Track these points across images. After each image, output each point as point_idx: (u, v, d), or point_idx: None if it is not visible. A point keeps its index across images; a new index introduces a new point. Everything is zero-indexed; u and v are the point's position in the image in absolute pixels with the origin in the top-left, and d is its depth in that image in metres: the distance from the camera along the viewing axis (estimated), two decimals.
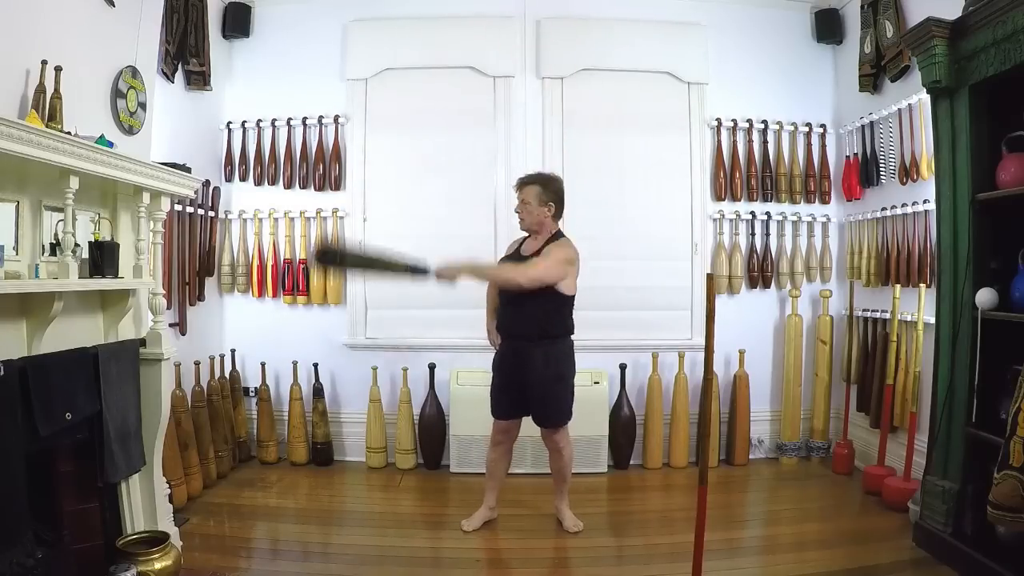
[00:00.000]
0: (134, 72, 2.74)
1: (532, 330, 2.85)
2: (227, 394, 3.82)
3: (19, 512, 1.89)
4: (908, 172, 3.40)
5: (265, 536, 3.02)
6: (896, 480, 3.22)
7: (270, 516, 3.20)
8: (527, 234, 3.00)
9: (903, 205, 3.42)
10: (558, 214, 2.95)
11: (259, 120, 4.05)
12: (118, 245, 2.47)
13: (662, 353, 3.94)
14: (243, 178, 4.07)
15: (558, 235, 2.94)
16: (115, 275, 2.39)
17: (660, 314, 4.01)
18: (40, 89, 2.13)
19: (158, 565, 2.25)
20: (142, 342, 2.55)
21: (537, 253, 2.86)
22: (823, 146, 4.10)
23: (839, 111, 4.10)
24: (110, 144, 2.26)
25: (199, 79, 3.70)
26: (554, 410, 2.91)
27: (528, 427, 3.02)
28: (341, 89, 4.04)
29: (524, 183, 2.93)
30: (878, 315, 3.64)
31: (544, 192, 2.90)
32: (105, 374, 2.30)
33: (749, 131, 4.04)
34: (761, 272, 4.05)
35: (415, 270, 2.68)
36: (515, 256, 2.98)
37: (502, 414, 2.97)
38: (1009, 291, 2.45)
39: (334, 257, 3.03)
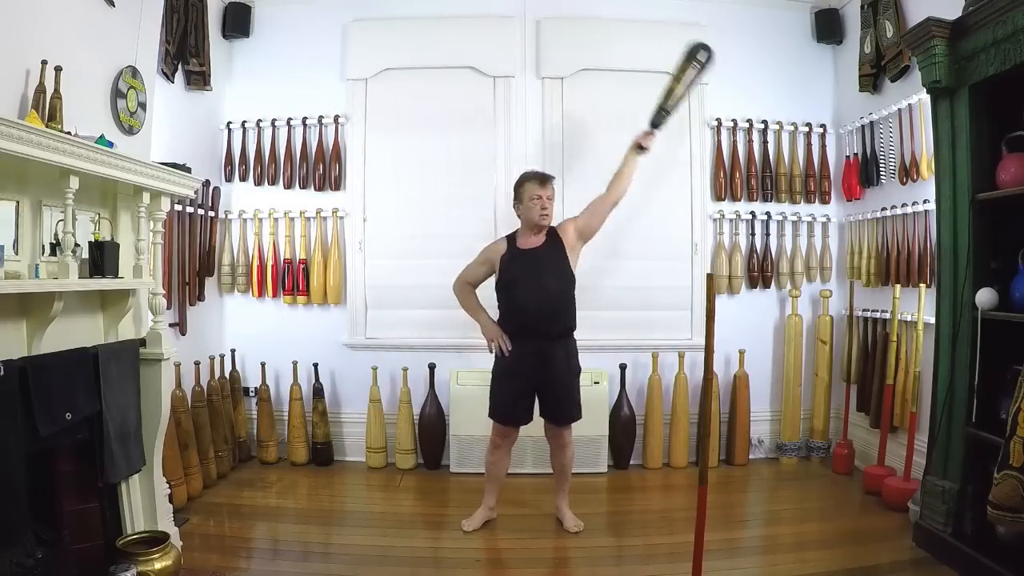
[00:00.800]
0: (134, 72, 2.74)
1: (557, 327, 2.87)
2: (227, 394, 3.82)
3: (19, 512, 1.89)
4: (908, 172, 3.40)
5: (265, 536, 3.02)
6: (896, 480, 3.22)
7: (270, 516, 3.20)
8: (510, 233, 3.04)
9: (903, 205, 3.42)
10: None
11: (259, 120, 4.05)
12: (118, 245, 2.47)
13: (662, 353, 3.94)
14: (243, 178, 4.07)
15: (551, 227, 2.99)
16: (115, 275, 2.39)
17: (660, 314, 4.01)
18: (40, 89, 2.13)
19: (158, 565, 2.26)
20: (142, 342, 2.55)
21: (553, 243, 2.92)
22: (823, 146, 4.10)
23: (839, 111, 4.10)
24: (110, 144, 2.27)
25: (199, 79, 3.70)
26: (574, 406, 2.94)
27: (528, 427, 3.02)
28: (341, 89, 4.04)
29: (550, 179, 2.97)
30: (878, 315, 3.64)
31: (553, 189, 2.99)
32: (105, 374, 2.30)
33: (749, 131, 4.04)
34: (761, 272, 4.05)
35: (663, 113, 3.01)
36: (516, 253, 2.94)
37: (513, 421, 2.95)
38: (1009, 291, 2.45)
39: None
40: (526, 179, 2.97)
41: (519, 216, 3.00)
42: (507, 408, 2.94)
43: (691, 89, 3.07)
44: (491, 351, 3.00)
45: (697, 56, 3.01)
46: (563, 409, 2.93)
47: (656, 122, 3.04)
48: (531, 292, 2.84)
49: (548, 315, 2.84)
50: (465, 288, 3.07)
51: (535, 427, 3.01)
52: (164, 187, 2.53)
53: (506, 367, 2.94)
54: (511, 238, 3.02)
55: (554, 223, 3.06)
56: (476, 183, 3.99)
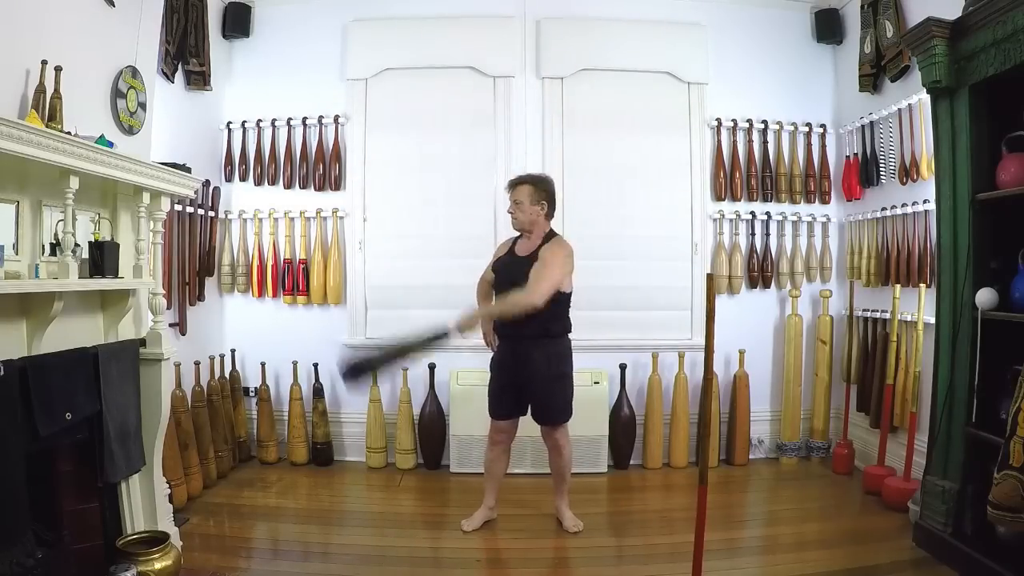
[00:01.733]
0: (134, 72, 2.74)
1: (532, 330, 2.85)
2: (227, 394, 3.82)
3: (19, 512, 1.89)
4: (908, 172, 3.40)
5: (265, 536, 3.02)
6: (896, 480, 3.22)
7: (270, 516, 3.20)
8: (519, 234, 3.01)
9: (903, 205, 3.42)
10: (550, 213, 2.97)
11: (259, 120, 4.05)
12: (118, 245, 2.47)
13: (662, 353, 3.94)
14: (243, 178, 4.07)
15: (551, 234, 2.96)
16: (115, 275, 2.39)
17: (660, 314, 4.01)
18: (40, 89, 2.13)
19: (158, 565, 2.25)
20: (142, 342, 2.55)
21: (534, 254, 2.86)
22: (823, 146, 4.10)
23: (839, 111, 4.10)
24: (110, 144, 2.27)
25: (199, 79, 3.70)
26: (556, 408, 2.93)
27: (528, 427, 3.03)
28: (341, 89, 4.04)
29: (516, 183, 2.95)
30: (878, 315, 3.64)
31: (536, 191, 2.92)
32: (105, 374, 2.30)
33: (749, 131, 4.04)
34: (761, 272, 4.05)
35: (437, 338, 2.71)
36: (510, 257, 2.97)
37: (502, 415, 2.97)
38: (1009, 291, 2.44)
39: (362, 369, 2.91)
40: None
41: None
42: (493, 401, 2.98)
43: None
44: (487, 344, 3.11)
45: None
46: (543, 410, 2.94)
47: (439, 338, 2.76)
48: (503, 295, 2.88)
49: (514, 320, 2.81)
50: (482, 285, 3.13)
51: (533, 427, 3.01)
52: (164, 187, 2.53)
53: (492, 363, 3.03)
54: (516, 240, 3.03)
55: (559, 237, 3.01)
56: (476, 183, 3.99)
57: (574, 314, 2.99)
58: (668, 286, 4.00)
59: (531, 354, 2.85)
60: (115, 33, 2.64)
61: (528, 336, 2.85)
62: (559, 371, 2.91)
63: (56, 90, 2.15)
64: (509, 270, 2.92)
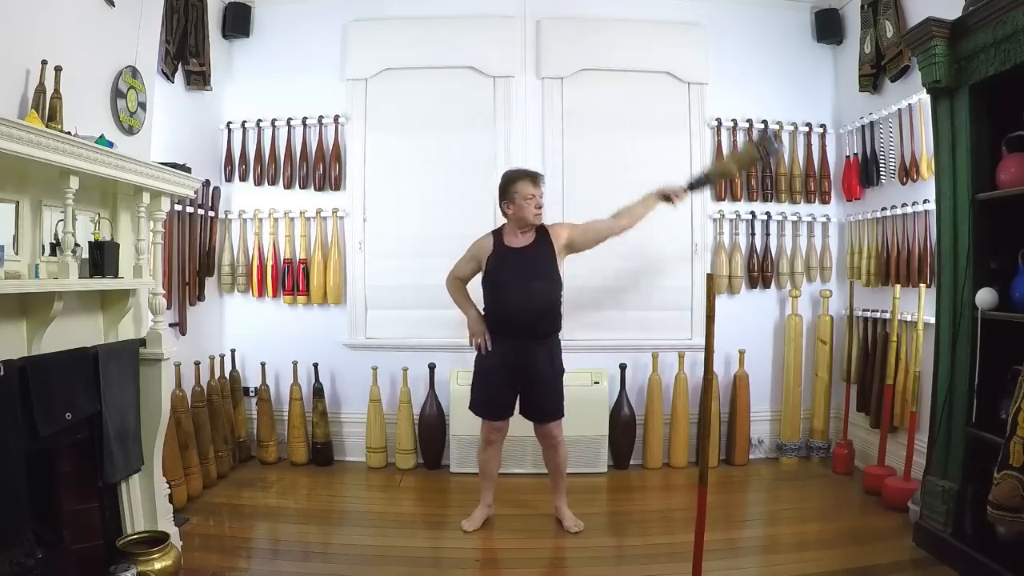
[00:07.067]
0: (134, 72, 2.74)
1: (542, 329, 2.87)
2: (227, 394, 3.82)
3: (19, 512, 1.89)
4: (908, 172, 3.40)
5: (265, 536, 3.02)
6: (896, 480, 3.22)
7: (270, 516, 3.20)
8: (494, 229, 3.02)
9: (903, 205, 3.42)
10: None
11: (259, 120, 4.05)
12: (118, 245, 2.47)
13: (662, 353, 3.93)
14: (243, 178, 4.07)
15: (541, 225, 2.97)
16: (115, 275, 2.39)
17: (660, 314, 4.01)
18: (40, 89, 2.13)
19: (158, 565, 2.26)
20: (142, 342, 2.56)
21: (540, 245, 2.89)
22: (823, 146, 4.10)
23: (839, 111, 4.10)
24: (110, 144, 2.27)
25: (199, 79, 3.70)
26: (557, 405, 2.94)
27: (526, 427, 3.02)
28: (341, 89, 4.04)
29: (542, 178, 2.97)
30: (878, 315, 3.64)
31: None
32: (105, 374, 2.30)
33: (749, 131, 4.04)
34: (761, 272, 4.05)
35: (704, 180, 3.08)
36: (507, 251, 2.91)
37: (499, 415, 2.97)
38: (1009, 291, 2.45)
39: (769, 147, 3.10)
40: (517, 177, 2.92)
41: (507, 215, 2.96)
42: (491, 404, 2.96)
43: (741, 171, 3.05)
44: (471, 344, 3.02)
45: (766, 146, 3.05)
46: (546, 408, 2.94)
47: (693, 185, 3.02)
48: (518, 294, 2.84)
49: (534, 318, 2.84)
50: (456, 283, 3.09)
51: (532, 427, 3.01)
52: (164, 187, 2.53)
53: (489, 365, 2.95)
54: (498, 234, 2.99)
55: (548, 223, 3.03)
56: (476, 183, 3.98)
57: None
58: (668, 286, 4.00)
59: (538, 354, 2.85)
60: (115, 33, 2.64)
61: (540, 335, 2.87)
62: (560, 368, 2.95)
63: (56, 90, 2.16)
64: (517, 265, 2.87)
